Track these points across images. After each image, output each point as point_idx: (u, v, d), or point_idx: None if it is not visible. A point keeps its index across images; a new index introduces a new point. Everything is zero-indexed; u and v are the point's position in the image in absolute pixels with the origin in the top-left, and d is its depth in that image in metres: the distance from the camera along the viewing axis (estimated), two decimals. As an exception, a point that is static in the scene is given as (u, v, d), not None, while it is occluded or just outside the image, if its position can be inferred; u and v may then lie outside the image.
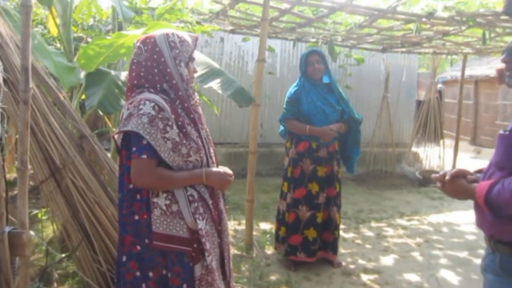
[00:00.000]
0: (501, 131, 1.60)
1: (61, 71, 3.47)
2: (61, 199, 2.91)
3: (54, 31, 4.88)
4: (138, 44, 1.89)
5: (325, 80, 3.76)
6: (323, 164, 3.72)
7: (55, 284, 3.15)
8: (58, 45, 5.73)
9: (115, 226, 2.96)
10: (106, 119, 4.55)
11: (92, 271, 2.95)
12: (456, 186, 1.67)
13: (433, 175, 1.76)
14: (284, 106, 3.84)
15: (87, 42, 4.91)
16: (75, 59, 3.78)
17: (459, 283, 3.74)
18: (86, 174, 2.97)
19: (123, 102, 3.31)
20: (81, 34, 6.06)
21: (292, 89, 3.83)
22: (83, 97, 3.66)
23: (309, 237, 3.72)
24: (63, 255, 3.24)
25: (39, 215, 4.02)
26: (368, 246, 4.53)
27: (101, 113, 4.00)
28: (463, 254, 4.39)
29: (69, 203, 2.91)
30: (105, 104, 3.26)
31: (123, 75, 3.59)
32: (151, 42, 1.86)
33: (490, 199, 1.51)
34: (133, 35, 2.96)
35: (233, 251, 4.15)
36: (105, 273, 2.91)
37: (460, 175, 1.70)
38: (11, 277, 1.72)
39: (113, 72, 3.59)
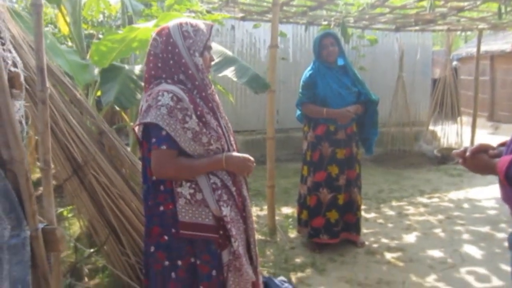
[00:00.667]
0: None
1: (75, 69, 3.50)
2: (85, 195, 2.96)
3: (64, 30, 4.92)
4: (154, 35, 1.90)
5: (340, 62, 3.74)
6: (342, 146, 3.72)
7: (86, 279, 3.23)
8: (70, 43, 5.77)
9: (141, 219, 3.01)
10: (123, 114, 4.59)
11: (121, 264, 3.01)
12: (478, 161, 1.66)
13: (454, 151, 1.75)
14: (300, 90, 3.83)
15: (99, 39, 4.94)
16: (88, 57, 3.81)
17: (482, 257, 3.74)
18: (108, 169, 3.01)
19: (139, 96, 3.34)
20: (92, 31, 6.10)
21: (307, 73, 3.81)
22: (98, 93, 3.70)
23: (331, 219, 3.74)
24: (92, 250, 3.31)
25: (65, 212, 4.11)
26: (390, 225, 4.54)
27: (117, 108, 4.04)
28: (485, 229, 4.37)
29: (94, 199, 2.96)
30: (121, 99, 3.28)
31: (137, 69, 3.62)
32: (165, 33, 1.87)
33: (511, 174, 1.50)
34: (145, 28, 2.98)
35: (257, 236, 4.16)
36: (134, 265, 2.96)
37: (482, 150, 1.69)
38: (48, 273, 1.77)
39: (127, 67, 3.62)
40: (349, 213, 3.82)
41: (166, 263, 1.88)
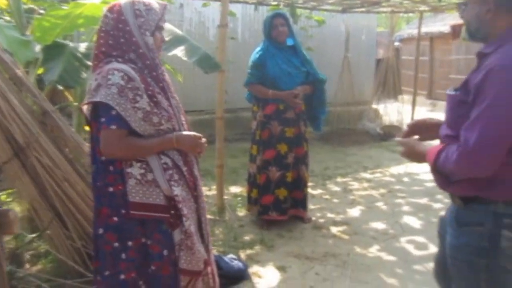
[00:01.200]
0: (448, 91, 1.63)
1: (15, 46, 3.31)
2: (27, 178, 2.84)
3: (2, 3, 4.63)
4: (105, 12, 1.86)
5: (289, 42, 3.78)
6: (290, 125, 3.80)
7: (28, 265, 3.13)
8: (8, 18, 5.45)
9: (87, 202, 2.95)
10: (67, 94, 4.42)
11: (65, 248, 2.93)
12: (410, 151, 1.73)
13: (397, 140, 1.84)
14: (249, 70, 3.84)
15: (40, 14, 4.70)
16: (28, 32, 3.63)
17: (421, 226, 4.01)
18: (52, 151, 2.91)
19: (84, 75, 3.22)
20: (32, 6, 5.77)
21: (256, 53, 3.83)
22: (40, 71, 3.54)
23: (280, 196, 3.83)
24: (34, 235, 3.21)
25: (3, 197, 3.93)
26: (335, 200, 4.72)
27: (60, 87, 3.89)
28: (423, 201, 4.67)
29: (36, 182, 2.86)
30: (66, 77, 3.16)
31: (82, 46, 3.48)
32: (117, 10, 1.83)
33: (438, 167, 1.56)
34: (91, 4, 2.87)
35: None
36: (80, 249, 2.90)
37: (417, 127, 1.81)
38: (3, 256, 1.72)
39: (71, 44, 3.48)
40: (297, 190, 3.92)
41: (116, 244, 1.87)
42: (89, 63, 3.12)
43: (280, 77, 3.70)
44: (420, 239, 3.72)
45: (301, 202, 3.99)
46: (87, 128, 3.88)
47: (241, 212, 4.33)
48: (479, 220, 1.55)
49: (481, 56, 1.56)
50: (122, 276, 1.88)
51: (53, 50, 3.26)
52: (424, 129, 1.85)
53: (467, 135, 1.44)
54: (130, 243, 1.85)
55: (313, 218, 4.12)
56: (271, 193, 3.82)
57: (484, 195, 1.53)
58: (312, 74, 3.84)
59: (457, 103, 1.57)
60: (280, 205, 3.84)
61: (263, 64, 3.74)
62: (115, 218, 1.85)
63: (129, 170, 1.81)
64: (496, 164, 1.44)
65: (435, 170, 1.60)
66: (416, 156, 1.72)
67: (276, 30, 3.72)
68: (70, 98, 4.24)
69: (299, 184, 3.92)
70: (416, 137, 1.88)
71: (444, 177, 1.60)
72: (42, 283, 2.77)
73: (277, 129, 3.78)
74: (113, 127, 1.74)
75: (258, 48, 3.86)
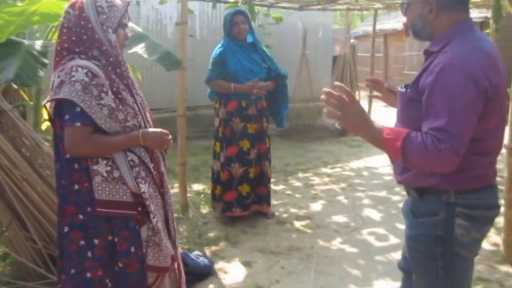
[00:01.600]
0: (399, 88, 1.67)
1: (-34, 44, 3.20)
2: (-17, 180, 2.77)
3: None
4: (67, 8, 1.84)
5: (249, 39, 3.83)
6: (252, 121, 3.84)
7: (-17, 269, 3.03)
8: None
9: (47, 202, 2.89)
10: (22, 93, 4.29)
11: (26, 250, 2.87)
12: (351, 114, 1.53)
13: (324, 89, 1.65)
14: (210, 67, 3.85)
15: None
16: (-21, 30, 3.49)
17: (381, 219, 4.14)
18: (9, 151, 2.84)
19: (41, 73, 3.14)
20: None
21: (217, 50, 3.84)
22: (-7, 70, 3.42)
23: (243, 193, 3.87)
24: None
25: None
26: (297, 195, 4.80)
27: (15, 86, 3.77)
28: (383, 194, 4.83)
29: (-7, 183, 2.78)
30: (22, 76, 3.05)
31: (38, 44, 3.39)
32: (78, 7, 1.81)
33: (406, 153, 1.47)
34: (47, 1, 2.80)
35: (170, 214, 4.21)
36: (41, 250, 2.85)
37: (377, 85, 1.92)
38: None
39: (26, 42, 3.38)
40: (260, 186, 3.97)
41: (82, 242, 1.85)
42: (46, 61, 3.05)
43: (242, 73, 3.73)
44: (381, 230, 3.85)
45: (264, 197, 4.03)
46: (44, 127, 3.81)
47: (205, 210, 4.34)
48: (433, 210, 1.61)
49: (429, 54, 1.62)
50: (88, 275, 1.86)
51: (8, 48, 3.15)
52: (382, 91, 1.95)
53: (439, 133, 1.42)
54: (96, 241, 1.84)
55: (276, 213, 4.18)
56: (234, 189, 3.85)
57: (436, 186, 1.59)
58: (274, 70, 3.89)
59: (408, 101, 1.61)
60: (243, 201, 3.88)
61: (224, 61, 3.76)
62: (81, 216, 1.83)
63: (95, 167, 1.80)
64: (460, 159, 1.46)
65: (402, 156, 1.47)
66: (357, 124, 1.54)
67: (237, 27, 3.74)
68: (25, 97, 4.12)
69: (262, 180, 3.97)
70: (377, 93, 2.00)
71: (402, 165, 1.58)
72: (1, 286, 2.69)
73: (239, 126, 3.81)
74: (78, 124, 1.72)
75: (219, 45, 3.88)
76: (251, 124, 3.83)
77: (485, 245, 3.46)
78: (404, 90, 1.64)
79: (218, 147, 3.94)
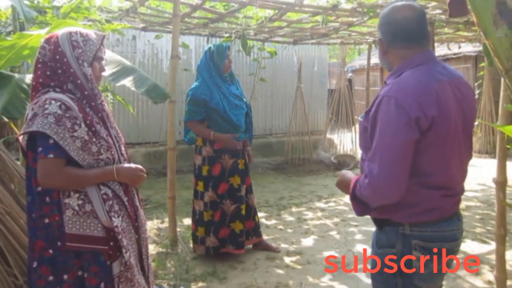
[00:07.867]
0: (360, 117, 1.75)
1: (-43, 77, 3.23)
2: (-35, 213, 2.73)
3: None
4: (43, 43, 1.86)
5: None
6: (240, 157, 3.81)
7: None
8: (-48, 49, 5.29)
9: (30, 236, 2.85)
10: (13, 126, 4.30)
11: (7, 285, 2.81)
12: (340, 180, 1.81)
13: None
14: (189, 107, 3.72)
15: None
16: (-29, 63, 3.53)
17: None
18: (-8, 183, 2.82)
19: (29, 106, 3.16)
20: (-25, 37, 5.64)
21: (196, 89, 3.72)
22: (-16, 103, 3.44)
23: (236, 230, 3.77)
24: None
25: None
26: (289, 230, 4.73)
27: (5, 119, 3.79)
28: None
29: (-25, 216, 2.75)
30: (10, 109, 3.08)
31: (28, 78, 3.42)
32: (54, 42, 1.83)
33: (355, 195, 1.67)
34: (37, 35, 2.84)
35: (158, 248, 4.14)
36: (22, 286, 2.78)
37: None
38: None
39: (17, 76, 3.42)
40: (248, 220, 3.90)
41: (51, 278, 1.80)
42: (34, 94, 3.07)
43: (230, 109, 3.69)
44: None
45: (253, 230, 3.97)
46: (19, 161, 3.80)
47: (194, 244, 4.26)
48: (392, 242, 1.65)
49: (385, 85, 1.70)
50: (57, 311, 1.80)
51: (-2, 81, 3.19)
52: None
53: (371, 165, 1.56)
54: (65, 276, 1.79)
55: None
56: (226, 226, 3.75)
57: (393, 218, 1.64)
58: (248, 106, 3.93)
59: (363, 128, 1.69)
60: (236, 239, 3.78)
61: (205, 100, 3.66)
62: (50, 251, 1.79)
63: (66, 200, 1.77)
64: (402, 189, 1.54)
65: (354, 198, 1.69)
66: (343, 185, 1.79)
67: (227, 60, 3.75)
68: (16, 130, 4.13)
69: (250, 214, 3.91)
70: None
71: (362, 204, 1.70)
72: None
73: (229, 162, 3.74)
74: (51, 156, 1.71)
75: (196, 83, 3.79)
76: (240, 160, 3.80)
77: (479, 282, 3.38)
78: (360, 119, 1.73)
79: (201, 186, 3.79)
